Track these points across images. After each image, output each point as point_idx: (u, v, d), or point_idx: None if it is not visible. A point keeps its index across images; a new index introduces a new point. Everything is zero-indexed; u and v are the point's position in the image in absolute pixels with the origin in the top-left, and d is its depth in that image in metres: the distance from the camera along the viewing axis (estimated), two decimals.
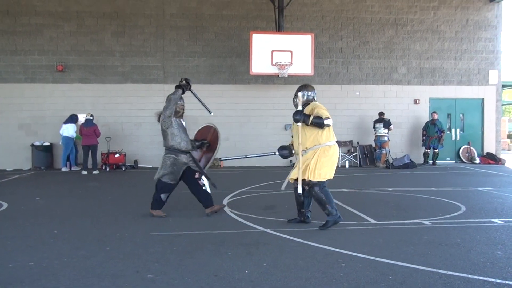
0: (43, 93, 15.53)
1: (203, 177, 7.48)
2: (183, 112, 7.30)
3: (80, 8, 15.61)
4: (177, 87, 7.22)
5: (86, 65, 15.67)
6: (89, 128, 14.01)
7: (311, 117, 6.16)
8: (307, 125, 6.21)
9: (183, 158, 7.10)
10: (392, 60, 16.69)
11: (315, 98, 6.64)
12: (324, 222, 6.27)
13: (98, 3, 15.66)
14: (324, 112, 6.20)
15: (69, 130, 14.46)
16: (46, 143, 15.20)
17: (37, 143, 15.14)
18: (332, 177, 6.36)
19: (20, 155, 15.31)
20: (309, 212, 6.63)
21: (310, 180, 6.17)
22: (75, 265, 4.66)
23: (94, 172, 13.91)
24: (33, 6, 15.45)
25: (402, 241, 5.57)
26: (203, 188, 7.43)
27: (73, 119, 14.61)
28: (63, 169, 14.63)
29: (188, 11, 15.97)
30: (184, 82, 7.25)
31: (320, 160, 6.17)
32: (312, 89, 6.68)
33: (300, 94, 6.59)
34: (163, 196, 7.12)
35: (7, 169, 14.93)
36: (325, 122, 6.13)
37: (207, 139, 7.56)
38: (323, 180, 6.23)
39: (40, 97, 15.52)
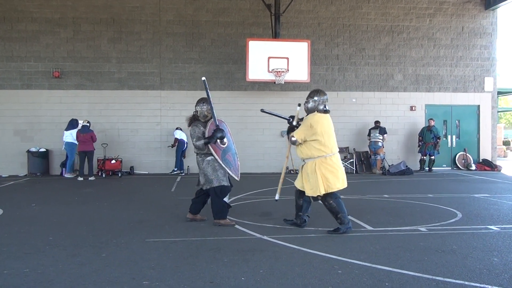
0: (40, 99, 15.51)
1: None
2: (211, 116, 7.20)
3: (77, 14, 15.63)
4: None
5: (83, 71, 15.67)
6: (85, 134, 13.98)
7: (290, 137, 6.62)
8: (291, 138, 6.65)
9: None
10: (388, 67, 16.75)
11: (326, 106, 6.55)
12: (334, 228, 6.42)
13: (94, 10, 15.69)
14: (297, 131, 6.50)
15: (73, 136, 14.36)
16: (42, 149, 15.16)
17: (33, 149, 15.09)
18: (342, 187, 6.42)
19: (15, 161, 15.27)
20: (306, 217, 6.71)
21: (318, 195, 6.36)
22: (71, 272, 4.64)
23: (90, 179, 13.87)
24: (29, 12, 15.46)
25: (398, 248, 5.57)
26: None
27: (73, 124, 14.52)
28: (67, 175, 14.54)
29: (184, 18, 16.01)
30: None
31: (324, 173, 6.31)
32: (323, 95, 6.58)
33: (298, 108, 6.90)
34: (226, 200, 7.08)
35: (3, 175, 14.87)
36: (292, 139, 6.55)
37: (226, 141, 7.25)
38: (331, 191, 6.34)
39: (36, 103, 15.49)
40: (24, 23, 15.46)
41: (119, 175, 14.78)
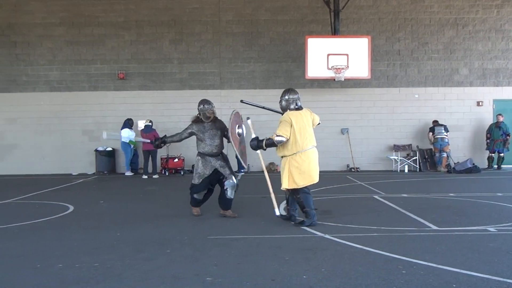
0: (105, 100, 16.12)
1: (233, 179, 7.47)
2: (213, 117, 7.51)
3: (140, 17, 16.11)
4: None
5: (146, 73, 16.14)
6: (148, 134, 14.37)
7: (264, 141, 6.76)
8: (264, 150, 6.90)
9: (212, 161, 7.40)
10: (453, 61, 16.16)
11: (297, 103, 6.88)
12: (300, 220, 6.78)
13: (156, 12, 16.11)
14: (280, 127, 6.65)
15: (123, 135, 14.86)
16: (109, 149, 15.74)
17: (100, 149, 15.70)
18: (306, 184, 6.64)
19: (84, 160, 15.95)
20: (294, 211, 6.96)
21: (287, 188, 6.73)
22: (137, 267, 4.79)
23: (154, 177, 14.28)
24: (95, 17, 16.08)
25: (466, 248, 5.37)
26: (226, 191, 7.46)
27: (126, 123, 15.01)
28: (127, 174, 15.07)
29: (243, 17, 16.13)
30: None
31: (290, 169, 6.63)
32: (295, 93, 6.94)
33: (249, 122, 7.42)
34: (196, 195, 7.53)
35: (73, 174, 15.56)
36: (276, 139, 6.60)
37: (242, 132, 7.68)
38: (298, 187, 6.63)
39: (102, 104, 16.11)
40: (90, 27, 16.11)
41: (182, 173, 15.11)
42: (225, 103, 15.97)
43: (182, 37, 16.14)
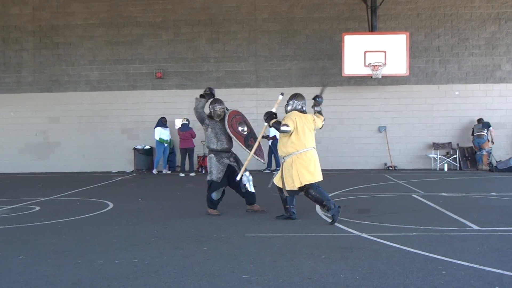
0: (144, 99, 16.40)
1: (246, 174, 7.66)
2: (225, 114, 7.69)
3: (177, 17, 16.31)
4: (201, 96, 7.67)
5: (183, 72, 16.33)
6: (185, 132, 14.57)
7: (272, 121, 7.03)
8: (269, 126, 7.17)
9: (225, 157, 7.62)
10: (495, 57, 15.72)
11: (303, 107, 7.13)
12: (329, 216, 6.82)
13: (193, 12, 16.27)
14: (287, 120, 6.87)
15: (155, 134, 15.15)
16: (147, 147, 16.02)
17: (139, 147, 16.00)
18: (314, 180, 6.80)
19: (123, 158, 16.28)
20: (293, 209, 7.04)
21: (299, 187, 6.84)
22: (175, 264, 4.85)
23: (191, 174, 14.45)
24: (134, 17, 16.38)
25: (510, 249, 5.21)
26: (245, 186, 7.67)
27: (158, 122, 15.26)
28: (154, 171, 15.33)
29: (279, 16, 16.11)
30: (208, 91, 7.75)
31: (298, 168, 6.78)
32: (301, 99, 7.20)
33: (280, 97, 7.38)
34: (213, 195, 7.59)
35: (112, 171, 15.90)
36: (281, 128, 6.82)
37: (247, 129, 7.89)
38: (305, 183, 6.78)
39: (140, 103, 16.39)
40: (129, 27, 16.41)
41: None
42: (261, 101, 16.00)
43: (218, 36, 16.26)
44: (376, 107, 15.84)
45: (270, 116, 7.11)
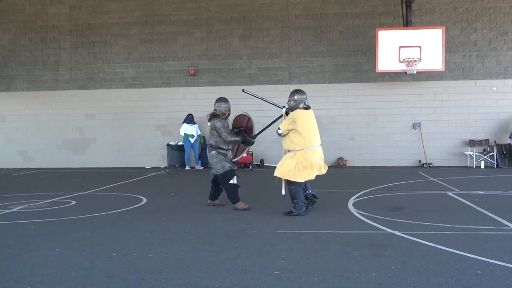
0: (177, 96, 16.57)
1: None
2: (229, 114, 8.15)
3: (210, 14, 16.40)
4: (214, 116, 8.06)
5: (216, 69, 16.42)
6: None
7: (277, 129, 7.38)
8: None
9: (228, 153, 7.97)
10: None
11: (305, 102, 7.32)
12: (288, 210, 7.21)
13: (226, 9, 16.33)
14: (283, 124, 7.28)
15: (181, 130, 15.41)
16: (180, 143, 16.19)
17: (172, 143, 16.19)
18: (310, 178, 7.19)
19: (157, 154, 16.50)
20: (312, 195, 7.40)
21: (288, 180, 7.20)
22: (207, 259, 4.90)
23: None
24: (168, 15, 16.55)
25: None
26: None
27: (185, 119, 15.50)
28: (186, 168, 15.52)
29: (312, 12, 16.01)
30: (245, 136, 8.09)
31: (297, 164, 7.06)
32: (302, 94, 7.38)
33: (284, 110, 7.62)
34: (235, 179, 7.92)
35: (146, 167, 16.14)
36: (278, 131, 7.28)
37: (243, 127, 8.23)
38: (292, 179, 7.12)
39: (174, 100, 16.57)
40: (163, 25, 16.60)
41: (250, 167, 15.27)
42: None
43: (251, 32, 16.27)
44: (410, 103, 15.58)
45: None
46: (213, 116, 8.08)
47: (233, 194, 7.81)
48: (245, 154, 8.31)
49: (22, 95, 17.27)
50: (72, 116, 17.03)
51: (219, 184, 8.05)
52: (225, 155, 7.93)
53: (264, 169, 15.19)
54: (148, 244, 5.55)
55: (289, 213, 7.16)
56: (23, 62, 17.25)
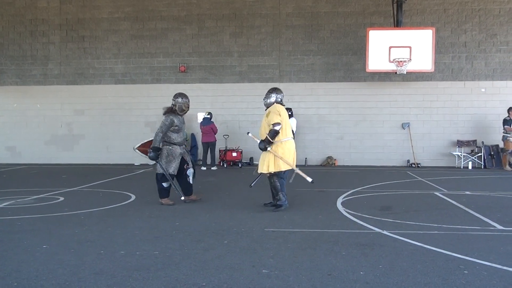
0: (167, 92, 16.40)
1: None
2: (187, 110, 8.26)
3: (201, 11, 16.36)
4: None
5: (206, 66, 16.39)
6: (206, 126, 14.63)
7: (267, 136, 7.41)
8: (272, 142, 7.43)
9: (178, 149, 8.03)
10: None
11: (282, 100, 7.79)
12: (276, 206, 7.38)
13: (217, 6, 16.30)
14: (273, 118, 7.39)
15: None
16: None
17: None
18: (290, 167, 7.40)
19: None
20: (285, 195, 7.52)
21: (270, 172, 7.40)
22: (195, 257, 4.89)
23: (212, 168, 14.52)
24: (158, 11, 16.48)
25: None
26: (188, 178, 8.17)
27: None
28: None
29: (303, 10, 16.03)
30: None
31: (275, 155, 7.33)
32: (281, 92, 7.92)
33: (250, 134, 8.65)
34: (164, 184, 8.02)
35: (135, 164, 16.07)
36: (275, 128, 7.33)
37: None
38: (277, 171, 7.36)
39: (164, 97, 16.40)
40: (154, 21, 16.53)
41: (239, 165, 15.27)
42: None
43: (242, 30, 16.26)
44: (399, 104, 15.67)
45: (263, 141, 7.53)
46: (169, 110, 8.11)
47: (162, 190, 8.05)
48: (143, 155, 8.93)
49: (10, 90, 17.12)
50: (61, 111, 16.91)
51: (182, 178, 8.14)
52: (172, 150, 8.01)
53: (253, 167, 15.15)
54: (136, 242, 5.53)
55: (278, 207, 7.34)
56: (12, 56, 17.09)
